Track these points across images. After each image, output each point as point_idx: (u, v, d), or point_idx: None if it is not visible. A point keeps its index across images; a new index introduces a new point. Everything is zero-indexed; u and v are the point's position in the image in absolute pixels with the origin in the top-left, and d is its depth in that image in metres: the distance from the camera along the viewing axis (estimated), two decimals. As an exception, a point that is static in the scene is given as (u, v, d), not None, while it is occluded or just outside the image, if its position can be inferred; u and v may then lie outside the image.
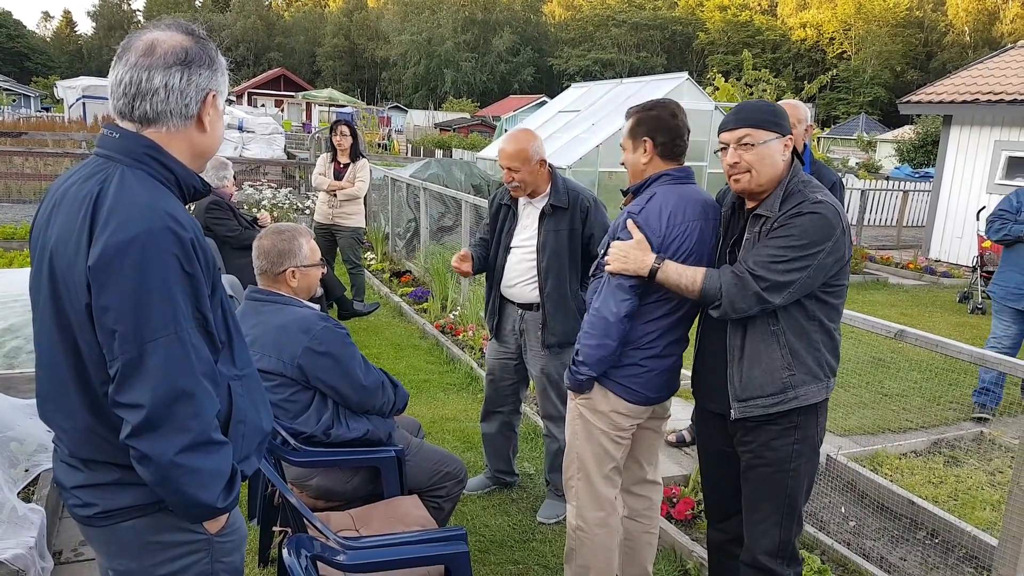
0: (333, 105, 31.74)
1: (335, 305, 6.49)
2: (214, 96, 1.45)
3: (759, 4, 67.79)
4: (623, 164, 2.48)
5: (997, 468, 4.08)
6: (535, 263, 3.18)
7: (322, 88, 41.18)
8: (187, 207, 1.47)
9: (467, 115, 38.49)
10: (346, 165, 6.47)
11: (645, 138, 2.37)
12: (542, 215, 3.15)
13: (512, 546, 3.21)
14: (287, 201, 9.54)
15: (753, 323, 2.11)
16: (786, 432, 2.14)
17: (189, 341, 1.31)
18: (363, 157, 6.62)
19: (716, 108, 9.21)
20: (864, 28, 57.00)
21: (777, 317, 2.09)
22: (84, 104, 21.07)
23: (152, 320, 1.27)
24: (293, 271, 2.52)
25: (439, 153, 24.87)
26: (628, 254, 2.18)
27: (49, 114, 28.43)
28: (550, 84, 53.62)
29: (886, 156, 29.58)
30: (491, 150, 11.10)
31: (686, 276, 2.13)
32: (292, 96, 37.20)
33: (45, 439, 3.43)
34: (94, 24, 77.55)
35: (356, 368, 2.53)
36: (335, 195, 6.41)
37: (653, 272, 2.17)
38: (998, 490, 3.80)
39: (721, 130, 2.17)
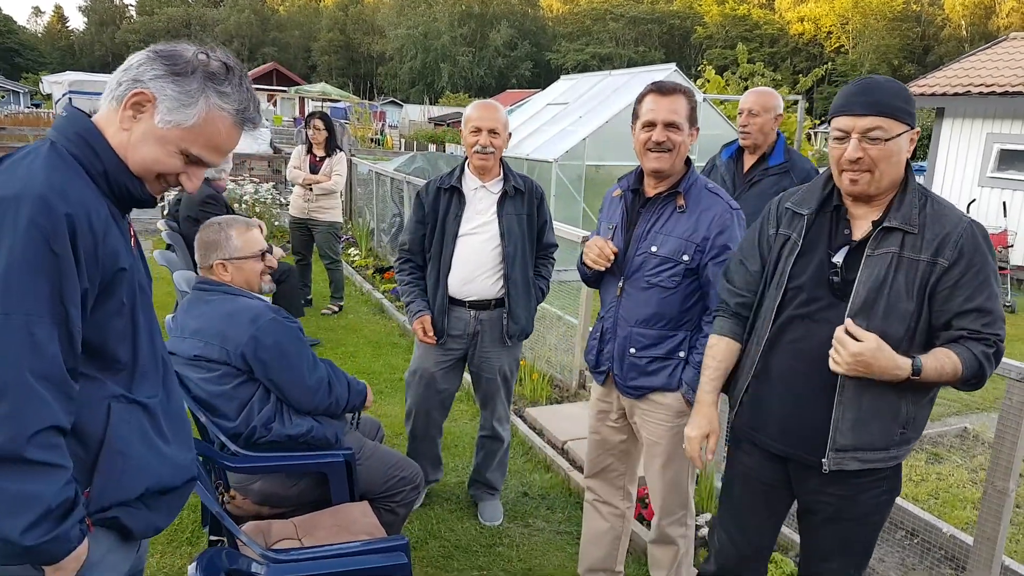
0: (326, 100, 31.56)
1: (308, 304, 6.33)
2: (150, 99, 1.25)
3: (757, -2, 67.58)
4: (661, 144, 2.21)
5: (980, 465, 3.98)
6: (499, 250, 2.99)
7: (316, 83, 40.96)
8: (127, 216, 1.33)
9: (462, 109, 38.32)
10: (322, 159, 6.35)
11: (696, 126, 2.31)
12: (502, 198, 3.00)
13: (477, 551, 3.10)
14: (269, 196, 9.41)
15: None
16: (874, 484, 1.84)
17: (27, 329, 1.09)
18: (340, 151, 6.49)
19: (704, 100, 9.08)
20: (862, 22, 56.84)
21: None
22: (70, 99, 20.88)
23: None
24: (223, 263, 2.44)
25: (432, 148, 24.74)
26: (873, 360, 1.63)
27: (38, 110, 28.25)
28: (548, 79, 53.32)
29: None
30: (477, 144, 10.97)
31: (946, 370, 1.66)
32: (284, 91, 36.96)
33: None
34: (85, 19, 77.21)
35: (303, 365, 2.42)
36: (311, 189, 6.29)
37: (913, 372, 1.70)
38: (979, 488, 3.70)
39: (840, 112, 1.73)
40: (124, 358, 1.27)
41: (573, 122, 9.06)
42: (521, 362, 5.06)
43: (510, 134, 3.08)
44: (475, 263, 3.00)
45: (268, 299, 2.58)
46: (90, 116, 1.28)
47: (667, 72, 8.84)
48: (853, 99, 1.72)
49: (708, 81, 12.91)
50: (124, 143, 1.26)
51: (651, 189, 2.36)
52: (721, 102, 11.10)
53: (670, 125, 2.22)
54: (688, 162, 2.35)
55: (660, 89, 2.26)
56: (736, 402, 2.00)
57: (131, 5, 77.46)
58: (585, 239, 4.72)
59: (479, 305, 3.05)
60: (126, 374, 1.28)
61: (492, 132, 2.93)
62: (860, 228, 1.79)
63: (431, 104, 44.20)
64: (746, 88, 11.61)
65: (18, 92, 38.01)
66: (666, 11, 66.19)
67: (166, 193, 5.61)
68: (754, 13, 64.35)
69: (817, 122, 22.68)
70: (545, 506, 3.49)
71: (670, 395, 2.34)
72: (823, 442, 1.78)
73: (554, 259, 3.27)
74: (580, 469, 3.69)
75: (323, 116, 6.54)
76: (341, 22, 71.00)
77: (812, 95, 42.24)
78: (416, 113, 39.54)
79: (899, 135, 1.69)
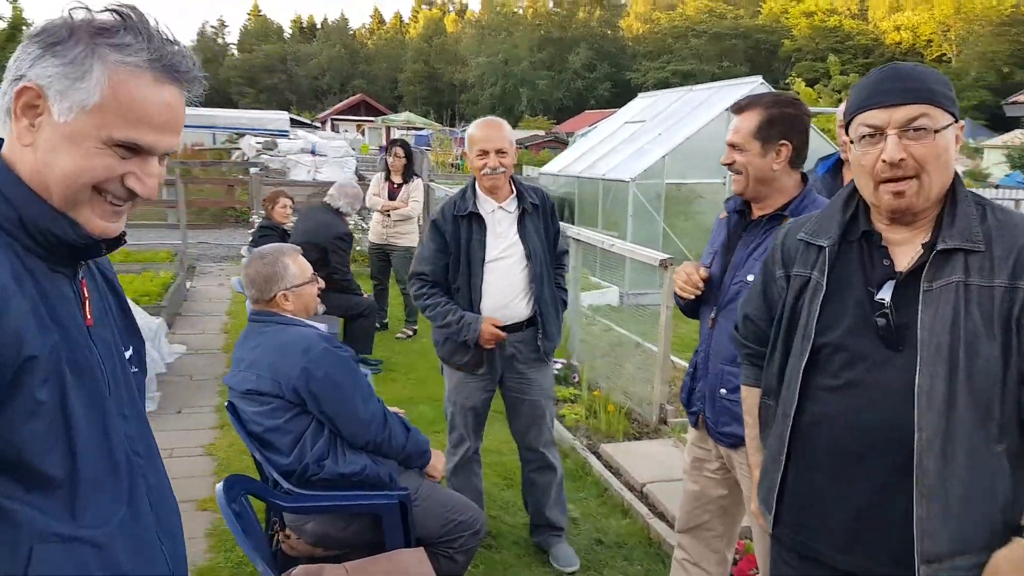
0: (411, 128, 32.38)
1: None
2: (35, 92, 0.94)
3: (848, 8, 65.13)
4: (730, 165, 2.06)
5: None
6: (527, 272, 2.91)
7: (402, 112, 42.18)
8: (76, 272, 1.02)
9: (540, 132, 38.46)
10: (400, 185, 6.45)
11: (783, 141, 1.98)
12: (521, 217, 2.91)
13: (546, 599, 2.89)
14: (352, 222, 9.57)
15: (966, 439, 1.28)
16: None
17: None
18: (417, 177, 6.56)
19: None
20: (965, 28, 53.72)
21: (1002, 429, 1.30)
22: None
23: None
24: (285, 294, 2.40)
25: (512, 171, 24.85)
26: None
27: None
28: (627, 98, 52.49)
29: (995, 163, 27.46)
30: (553, 164, 10.86)
31: None
32: (371, 120, 38.27)
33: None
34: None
35: (356, 396, 2.33)
36: (389, 215, 6.36)
37: None
38: None
39: (866, 106, 1.37)
40: (55, 472, 0.93)
41: (651, 140, 8.80)
42: (596, 393, 4.83)
43: (517, 148, 2.98)
44: (507, 288, 2.91)
45: (323, 326, 2.50)
46: None
47: (752, 85, 8.47)
48: (883, 86, 1.36)
49: (798, 94, 12.38)
50: (35, 166, 0.95)
51: (757, 211, 2.13)
52: (814, 115, 10.58)
53: (732, 146, 2.04)
54: (804, 178, 2.10)
55: (732, 108, 2.10)
56: (771, 499, 1.54)
57: (232, 44, 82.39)
58: (663, 262, 4.48)
59: (512, 328, 2.94)
60: (64, 493, 0.94)
61: (500, 152, 2.80)
62: (904, 256, 1.40)
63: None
64: (839, 101, 11.03)
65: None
66: (751, 25, 64.69)
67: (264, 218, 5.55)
68: (846, 24, 62.00)
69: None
70: (622, 556, 3.21)
71: None
72: (905, 550, 1.32)
73: (566, 264, 3.23)
74: (661, 516, 3.41)
75: (403, 144, 6.62)
76: (425, 53, 72.98)
77: (911, 106, 40.01)
78: (497, 138, 39.85)
79: (946, 127, 1.33)
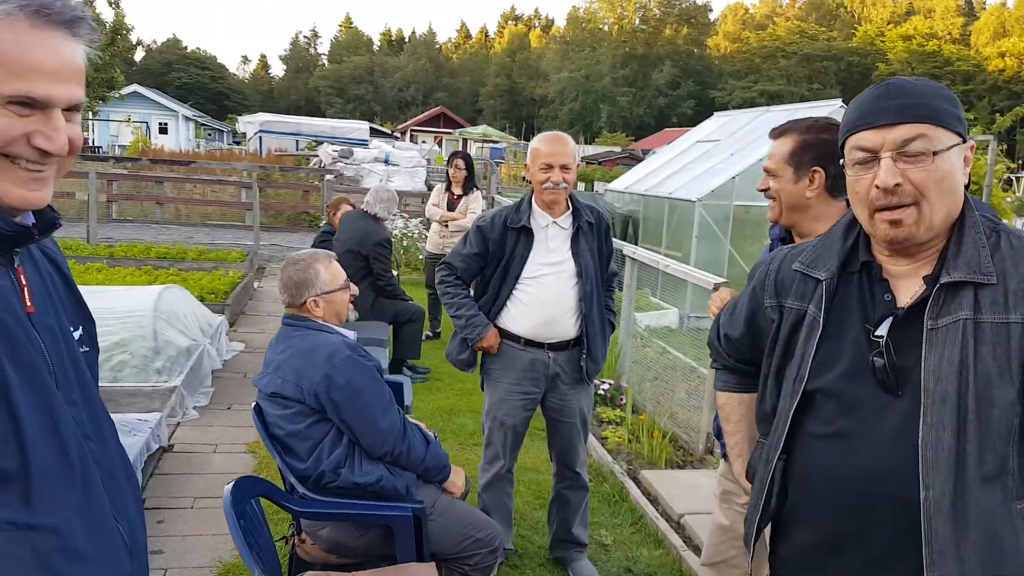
0: (487, 141, 32.75)
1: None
2: None
3: (949, 33, 62.28)
4: (765, 191, 1.99)
5: None
6: (577, 290, 2.85)
7: (480, 125, 42.76)
8: (13, 259, 0.98)
9: (616, 148, 38.21)
10: (459, 196, 6.49)
11: (816, 168, 1.87)
12: (575, 234, 2.85)
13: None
14: (416, 231, 9.72)
15: (980, 498, 1.14)
16: None
17: None
18: (477, 189, 6.58)
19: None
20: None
21: (1022, 485, 1.17)
22: (260, 138, 23.17)
23: None
24: (316, 300, 2.40)
25: (581, 186, 24.74)
26: None
27: (238, 147, 31.65)
28: (711, 117, 51.96)
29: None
30: (620, 181, 10.72)
31: None
32: (449, 132, 38.92)
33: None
34: (284, 67, 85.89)
35: (376, 406, 2.32)
36: (447, 226, 6.41)
37: None
38: None
39: (858, 126, 1.24)
40: (6, 466, 0.91)
41: (723, 160, 8.57)
42: (641, 416, 4.70)
43: (579, 163, 2.95)
44: (554, 304, 2.85)
45: (352, 334, 2.51)
46: None
47: (831, 108, 8.16)
48: (876, 105, 1.21)
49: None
50: None
51: (797, 239, 2.01)
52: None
53: (767, 172, 1.98)
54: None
55: (770, 133, 2.02)
56: (749, 545, 1.41)
57: (323, 55, 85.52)
58: (717, 286, 4.33)
59: (557, 346, 2.89)
60: (17, 486, 0.92)
61: (564, 168, 2.76)
62: (906, 290, 1.25)
63: (586, 144, 44.54)
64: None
65: (223, 131, 43.19)
66: (843, 48, 62.63)
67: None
68: (945, 49, 59.25)
69: (1016, 165, 20.17)
70: (648, 586, 3.10)
71: None
72: None
73: (615, 288, 3.19)
74: (696, 550, 3.26)
75: (464, 156, 6.69)
76: (508, 67, 73.87)
77: (1014, 136, 37.86)
78: (573, 153, 39.83)
79: (949, 148, 1.18)
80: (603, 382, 5.18)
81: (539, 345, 2.88)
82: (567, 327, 2.87)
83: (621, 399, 5.10)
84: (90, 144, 26.09)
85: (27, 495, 0.93)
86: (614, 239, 3.31)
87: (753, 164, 7.98)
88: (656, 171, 9.82)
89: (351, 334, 2.51)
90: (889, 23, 65.08)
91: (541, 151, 2.80)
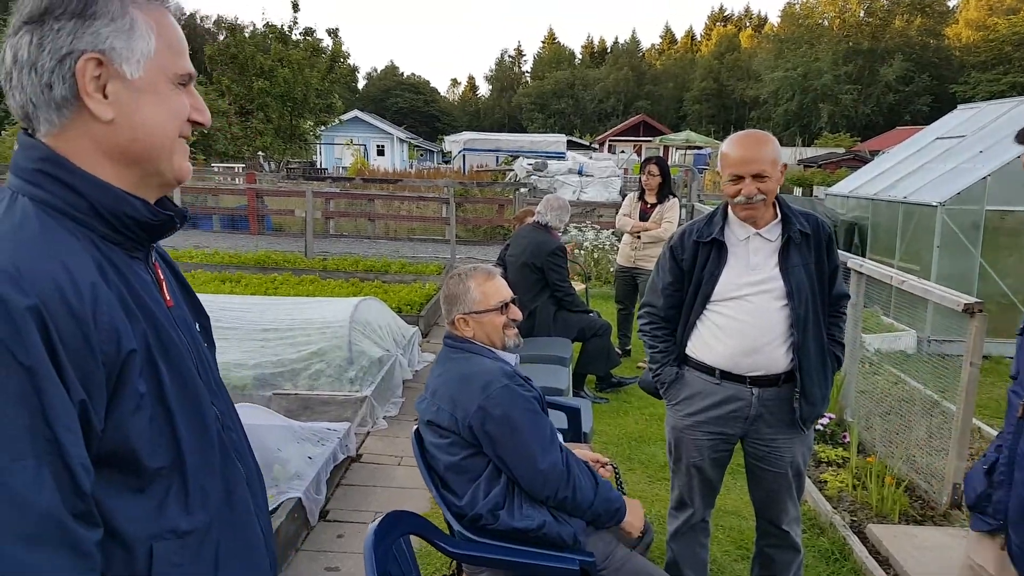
0: (691, 147, 31.59)
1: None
2: (96, 61, 0.91)
3: None
4: None
5: None
6: (787, 313, 2.34)
7: (683, 131, 41.51)
8: (150, 252, 1.02)
9: (839, 150, 34.99)
10: (653, 205, 6.06)
11: None
12: (785, 247, 2.34)
13: None
14: (608, 242, 9.40)
15: None
16: None
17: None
18: (673, 196, 6.11)
19: None
20: None
21: None
22: (464, 155, 24.22)
23: None
24: (464, 318, 2.22)
25: (797, 191, 22.84)
26: None
27: (447, 165, 33.54)
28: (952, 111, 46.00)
29: None
30: (843, 184, 9.53)
31: None
32: (650, 140, 38.15)
33: (303, 467, 3.56)
34: (490, 87, 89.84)
35: (534, 443, 2.06)
36: (639, 237, 6.01)
37: None
38: None
39: None
40: (164, 462, 0.93)
41: (970, 158, 7.28)
42: (870, 459, 3.96)
43: (785, 165, 2.38)
44: (757, 330, 2.36)
45: (514, 358, 2.27)
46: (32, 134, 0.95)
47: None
48: None
49: None
50: (114, 140, 0.93)
51: None
52: None
53: None
54: None
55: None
56: None
57: (526, 72, 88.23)
58: (968, 307, 3.52)
59: (762, 381, 2.39)
60: (174, 483, 0.94)
61: (758, 177, 2.27)
62: None
63: (804, 146, 41.40)
64: None
65: (432, 151, 46.05)
66: None
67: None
68: None
69: None
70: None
71: None
72: None
73: (845, 314, 2.57)
74: (938, 631, 2.62)
75: (659, 161, 6.22)
76: (715, 70, 71.16)
77: None
78: (787, 155, 37.24)
79: None
80: (824, 416, 4.49)
81: (739, 379, 2.41)
82: (774, 358, 2.38)
83: (844, 436, 4.38)
84: (317, 166, 29.00)
85: (184, 494, 0.94)
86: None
87: (1008, 163, 6.67)
88: (887, 172, 8.61)
89: (513, 359, 2.27)
90: None
91: (730, 157, 2.34)
